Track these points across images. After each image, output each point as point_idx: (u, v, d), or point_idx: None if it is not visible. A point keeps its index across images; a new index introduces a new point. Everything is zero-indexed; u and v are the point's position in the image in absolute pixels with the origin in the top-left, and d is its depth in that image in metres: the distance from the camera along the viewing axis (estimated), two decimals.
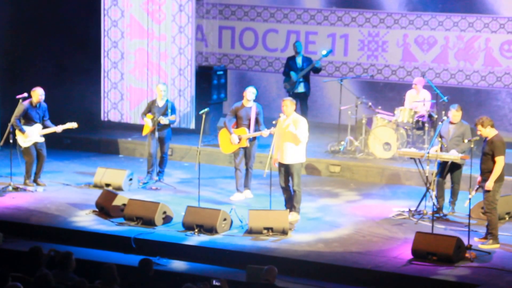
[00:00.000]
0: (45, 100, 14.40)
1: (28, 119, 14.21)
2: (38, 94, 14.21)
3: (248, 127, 13.60)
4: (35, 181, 14.44)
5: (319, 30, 18.30)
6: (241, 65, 18.94)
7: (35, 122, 14.25)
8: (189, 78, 17.18)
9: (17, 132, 14.18)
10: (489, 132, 11.64)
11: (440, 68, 17.58)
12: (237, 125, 13.69)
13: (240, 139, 13.58)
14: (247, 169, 13.77)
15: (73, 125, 14.38)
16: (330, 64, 18.28)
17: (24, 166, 14.40)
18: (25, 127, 14.17)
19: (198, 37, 18.80)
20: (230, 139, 13.62)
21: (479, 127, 11.64)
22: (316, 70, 16.64)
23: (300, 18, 18.41)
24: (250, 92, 13.65)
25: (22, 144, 14.22)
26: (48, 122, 14.37)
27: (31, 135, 14.21)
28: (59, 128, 14.36)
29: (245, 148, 13.67)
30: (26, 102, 14.18)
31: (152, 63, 17.23)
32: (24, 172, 14.41)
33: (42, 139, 14.35)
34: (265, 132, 13.43)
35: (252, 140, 13.68)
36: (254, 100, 13.73)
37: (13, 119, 14.12)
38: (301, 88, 16.55)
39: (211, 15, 18.88)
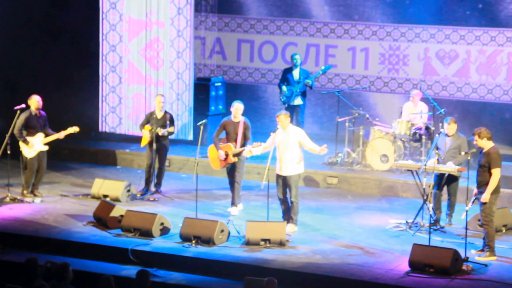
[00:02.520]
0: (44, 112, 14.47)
1: (30, 128, 14.22)
2: (36, 100, 14.21)
3: (236, 141, 13.56)
4: (32, 192, 14.44)
5: (339, 43, 18.22)
6: (260, 79, 18.93)
7: (37, 131, 14.27)
8: (187, 124, 17.28)
9: (20, 143, 14.18)
10: (485, 144, 11.68)
11: (461, 82, 17.48)
12: (227, 140, 13.66)
13: (227, 155, 13.53)
14: (235, 184, 13.64)
15: (74, 129, 14.38)
16: (351, 77, 18.22)
17: (23, 176, 14.38)
18: (28, 138, 14.19)
19: (217, 50, 18.88)
20: (218, 155, 13.59)
21: (476, 137, 11.68)
22: (309, 86, 16.54)
23: (320, 32, 18.35)
24: (234, 109, 13.58)
25: (27, 155, 14.21)
26: (50, 131, 14.39)
27: (35, 145, 14.23)
28: (61, 134, 14.36)
29: (233, 163, 13.60)
30: (27, 112, 14.19)
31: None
32: (22, 182, 14.41)
33: (46, 148, 14.37)
34: (247, 148, 13.33)
35: (239, 155, 13.61)
36: (243, 115, 13.70)
37: (16, 131, 14.09)
38: (297, 101, 16.39)
39: (229, 28, 18.92)
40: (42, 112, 14.34)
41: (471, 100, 17.40)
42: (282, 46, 18.68)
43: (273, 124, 16.37)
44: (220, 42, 19.03)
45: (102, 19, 17.63)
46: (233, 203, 13.71)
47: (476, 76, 17.39)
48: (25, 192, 14.39)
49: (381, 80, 18.07)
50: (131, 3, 17.44)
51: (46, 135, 14.32)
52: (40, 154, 14.33)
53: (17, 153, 14.23)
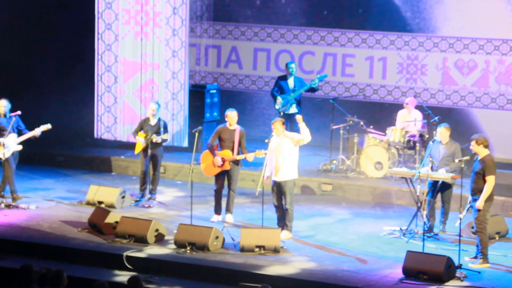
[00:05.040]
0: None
1: (1, 130, 14.28)
2: (2, 105, 14.32)
3: (232, 149, 13.57)
4: (2, 196, 14.43)
5: (356, 52, 18.15)
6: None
7: (9, 132, 14.32)
8: (182, 131, 17.29)
9: None
10: (480, 150, 11.74)
11: (480, 92, 17.41)
12: (221, 147, 13.65)
13: (223, 162, 13.54)
14: (230, 192, 13.63)
15: (47, 126, 14.42)
16: (368, 87, 18.18)
17: (6, 180, 14.38)
18: (0, 139, 14.24)
19: (233, 58, 18.90)
20: (214, 161, 13.58)
21: (473, 142, 11.77)
22: (312, 90, 16.51)
23: (338, 41, 18.30)
24: (230, 117, 13.57)
25: (2, 156, 14.22)
26: (25, 131, 14.44)
27: (8, 145, 14.26)
28: (36, 132, 14.37)
29: (227, 170, 13.58)
30: None
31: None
32: (9, 187, 14.40)
33: (20, 147, 14.38)
34: (249, 156, 13.37)
35: (235, 162, 13.61)
36: (238, 123, 13.72)
37: None
38: (293, 109, 16.33)
39: (246, 37, 18.92)
40: (12, 115, 14.42)
41: (490, 109, 17.35)
42: (299, 55, 18.60)
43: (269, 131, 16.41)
44: (236, 50, 19.02)
45: (98, 60, 17.72)
46: (227, 210, 13.74)
47: (495, 86, 17.32)
48: (14, 195, 14.40)
49: (399, 90, 18.01)
50: (126, 45, 17.52)
51: (20, 136, 14.40)
52: (14, 154, 14.35)
53: None
